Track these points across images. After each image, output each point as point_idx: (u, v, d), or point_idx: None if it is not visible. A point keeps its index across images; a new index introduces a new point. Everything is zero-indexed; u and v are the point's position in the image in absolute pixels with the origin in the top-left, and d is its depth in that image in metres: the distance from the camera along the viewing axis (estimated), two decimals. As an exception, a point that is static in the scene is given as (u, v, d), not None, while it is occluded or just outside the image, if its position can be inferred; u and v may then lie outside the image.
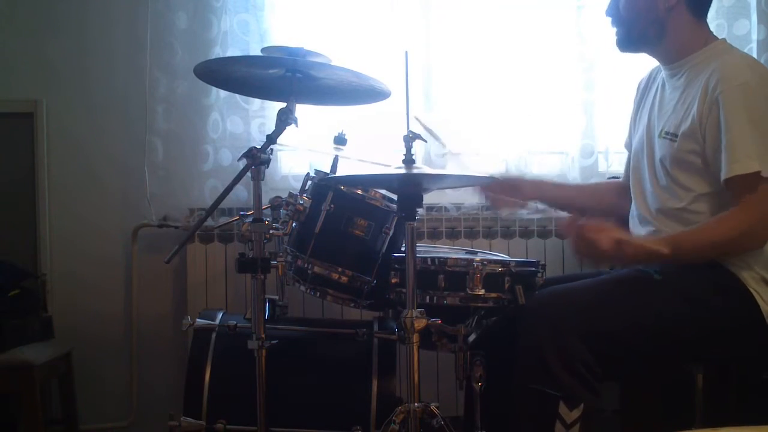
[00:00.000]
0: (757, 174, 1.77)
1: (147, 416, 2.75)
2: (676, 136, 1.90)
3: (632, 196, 2.11)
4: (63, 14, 2.77)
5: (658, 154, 1.98)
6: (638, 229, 2.05)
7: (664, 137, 1.95)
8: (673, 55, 1.98)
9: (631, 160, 2.15)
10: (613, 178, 2.52)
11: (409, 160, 1.69)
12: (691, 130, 1.87)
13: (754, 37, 2.70)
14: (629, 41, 2.00)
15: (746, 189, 1.79)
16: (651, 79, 2.13)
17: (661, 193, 1.97)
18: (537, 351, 1.75)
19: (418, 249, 1.78)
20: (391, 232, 2.01)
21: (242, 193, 2.62)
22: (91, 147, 2.79)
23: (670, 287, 1.84)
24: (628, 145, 2.20)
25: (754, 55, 2.69)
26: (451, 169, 2.49)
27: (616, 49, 2.04)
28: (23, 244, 2.75)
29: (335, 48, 2.50)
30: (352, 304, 2.08)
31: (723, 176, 1.81)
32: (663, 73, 2.04)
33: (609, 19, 2.02)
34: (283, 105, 1.93)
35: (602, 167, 2.77)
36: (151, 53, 2.66)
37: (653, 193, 2.00)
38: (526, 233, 2.80)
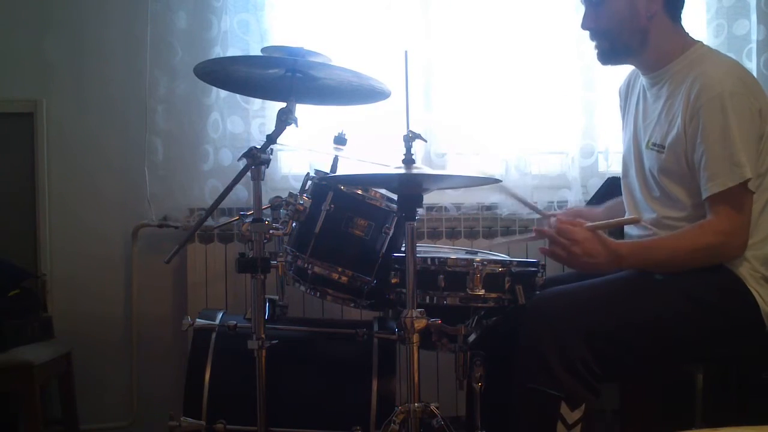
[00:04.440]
0: (741, 185, 1.78)
1: (147, 416, 2.75)
2: (663, 147, 1.90)
3: (624, 203, 2.10)
4: (63, 14, 2.76)
5: (646, 165, 1.98)
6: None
7: (651, 148, 1.94)
8: (654, 64, 1.97)
9: (621, 168, 2.14)
10: (613, 177, 2.52)
11: (409, 160, 1.69)
12: (677, 141, 1.86)
13: (754, 37, 2.70)
14: (613, 53, 1.98)
15: (724, 200, 1.79)
16: (630, 84, 2.12)
17: (654, 203, 1.97)
18: (537, 351, 1.76)
19: (418, 249, 1.78)
20: (391, 232, 2.02)
21: (242, 193, 2.62)
22: (91, 147, 2.79)
23: (671, 287, 1.84)
24: None
25: (754, 56, 2.69)
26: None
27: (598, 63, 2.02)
28: (23, 244, 2.75)
29: (335, 48, 2.51)
30: (352, 304, 2.08)
31: (707, 192, 1.80)
32: (643, 81, 2.03)
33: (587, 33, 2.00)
34: (283, 105, 1.93)
35: (602, 167, 2.77)
36: (151, 53, 2.66)
37: (646, 204, 2.00)
38: (526, 233, 2.79)
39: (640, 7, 1.90)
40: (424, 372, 1.74)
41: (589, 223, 1.85)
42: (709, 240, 1.81)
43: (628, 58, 2.00)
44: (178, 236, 2.67)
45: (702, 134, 1.81)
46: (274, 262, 1.89)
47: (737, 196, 1.80)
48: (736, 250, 1.83)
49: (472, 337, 1.87)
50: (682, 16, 1.98)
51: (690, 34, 1.99)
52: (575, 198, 2.71)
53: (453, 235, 2.79)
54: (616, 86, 2.23)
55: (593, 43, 2.01)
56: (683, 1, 1.97)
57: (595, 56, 2.02)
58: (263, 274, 1.88)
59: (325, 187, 2.04)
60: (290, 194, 2.03)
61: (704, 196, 1.82)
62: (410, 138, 1.70)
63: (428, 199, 2.24)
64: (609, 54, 1.99)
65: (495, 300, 1.82)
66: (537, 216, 2.74)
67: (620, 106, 2.19)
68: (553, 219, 1.99)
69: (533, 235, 1.93)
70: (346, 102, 2.25)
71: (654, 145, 1.93)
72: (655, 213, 1.97)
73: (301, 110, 1.98)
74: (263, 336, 1.88)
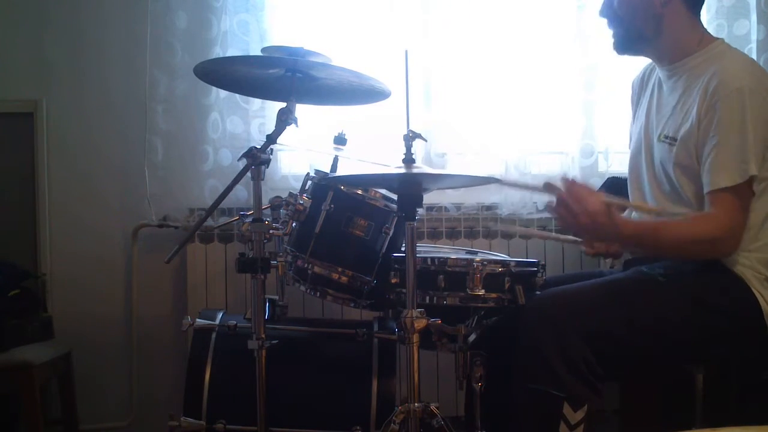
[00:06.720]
0: (746, 183, 1.77)
1: (147, 416, 2.75)
2: (675, 140, 1.89)
3: (630, 197, 2.10)
4: (63, 14, 2.76)
5: (657, 158, 1.96)
6: None
7: (663, 140, 1.93)
8: (670, 55, 1.96)
9: (629, 162, 2.13)
10: (614, 177, 2.53)
11: (409, 160, 1.69)
12: (689, 134, 1.85)
13: (754, 37, 2.70)
14: (628, 41, 1.97)
15: (730, 196, 1.79)
16: (645, 77, 2.11)
17: (663, 198, 1.96)
18: (538, 351, 1.75)
19: (418, 249, 1.78)
20: (391, 232, 2.02)
21: (242, 193, 2.62)
22: (90, 147, 2.79)
23: (674, 289, 1.83)
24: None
25: (754, 56, 2.69)
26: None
27: (614, 52, 2.01)
28: (23, 244, 2.75)
29: (335, 48, 2.51)
30: (352, 304, 2.08)
31: (712, 185, 1.79)
32: (659, 73, 2.03)
33: (605, 21, 1.99)
34: (283, 105, 1.93)
35: (602, 167, 2.77)
36: (151, 53, 2.66)
37: (652, 199, 1.99)
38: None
39: None
40: (424, 372, 1.73)
41: (608, 198, 1.81)
42: (713, 233, 1.80)
43: (643, 46, 1.98)
44: (178, 236, 2.67)
45: (717, 127, 1.79)
46: (274, 262, 1.90)
47: (741, 193, 1.79)
48: (732, 247, 1.82)
49: (472, 337, 1.87)
50: (701, 10, 1.97)
51: (712, 32, 1.98)
52: (575, 198, 2.70)
53: (453, 235, 2.79)
54: (617, 87, 2.23)
55: (610, 32, 1.99)
56: None
57: (612, 46, 2.00)
58: (263, 274, 1.88)
59: (325, 187, 2.04)
60: (290, 194, 2.03)
61: (707, 189, 1.81)
62: (410, 137, 1.70)
63: (428, 199, 2.24)
64: (624, 42, 1.97)
65: (495, 300, 1.82)
66: (537, 216, 2.75)
67: (632, 99, 2.18)
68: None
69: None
70: (346, 102, 2.25)
71: (666, 137, 1.92)
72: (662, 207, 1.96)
73: (301, 110, 1.98)
74: (263, 336, 1.88)
